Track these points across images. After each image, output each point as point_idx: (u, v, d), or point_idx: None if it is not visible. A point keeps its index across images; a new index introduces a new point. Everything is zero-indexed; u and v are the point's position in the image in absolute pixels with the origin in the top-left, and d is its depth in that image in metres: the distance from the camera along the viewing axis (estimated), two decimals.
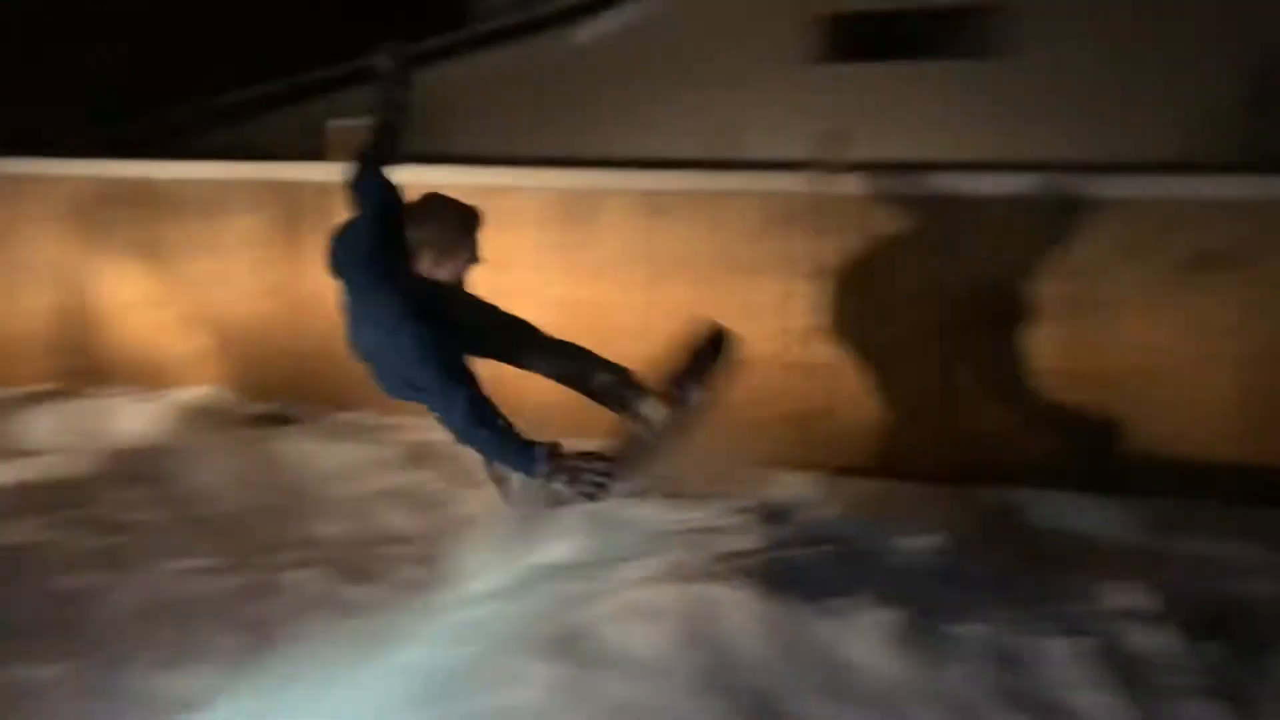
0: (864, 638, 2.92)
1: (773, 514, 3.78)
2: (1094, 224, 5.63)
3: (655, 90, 8.31)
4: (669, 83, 8.39)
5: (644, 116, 8.31)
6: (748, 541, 3.42)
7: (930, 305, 5.83)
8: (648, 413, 3.81)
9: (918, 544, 3.48)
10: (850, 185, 6.00)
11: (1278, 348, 5.36)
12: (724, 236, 6.19)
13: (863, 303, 5.99)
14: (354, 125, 4.39)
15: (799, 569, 3.23)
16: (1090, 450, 5.63)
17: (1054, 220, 5.66)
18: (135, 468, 4.91)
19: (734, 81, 8.35)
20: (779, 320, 6.11)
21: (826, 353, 6.06)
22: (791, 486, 5.34)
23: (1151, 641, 2.79)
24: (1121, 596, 3.08)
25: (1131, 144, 7.11)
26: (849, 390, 6.00)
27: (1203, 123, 7.83)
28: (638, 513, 3.77)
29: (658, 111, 8.49)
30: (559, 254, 6.45)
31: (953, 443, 5.81)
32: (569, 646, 2.82)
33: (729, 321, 6.04)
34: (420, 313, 3.21)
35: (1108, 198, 5.60)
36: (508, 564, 3.38)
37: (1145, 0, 7.68)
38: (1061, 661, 2.80)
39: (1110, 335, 5.60)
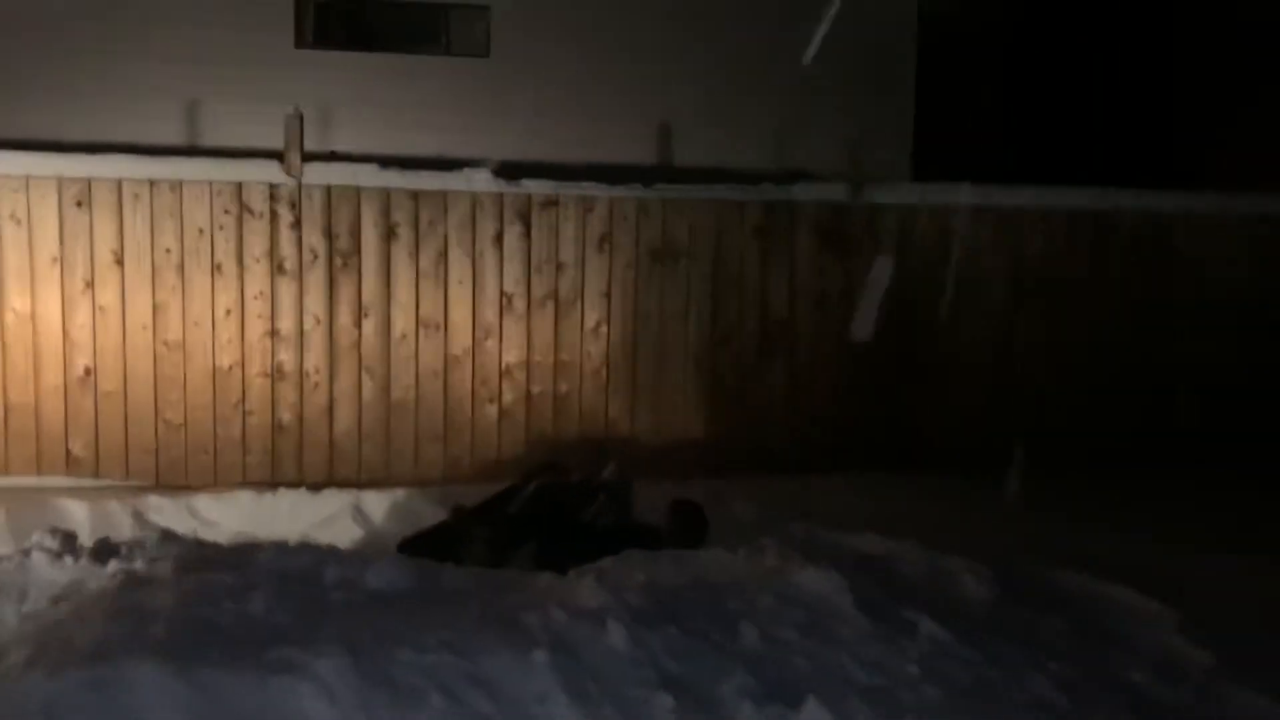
0: (314, 691, 2.46)
1: (204, 555, 3.17)
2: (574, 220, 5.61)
3: (105, 65, 7.13)
4: (122, 57, 7.25)
5: (90, 94, 7.10)
6: (162, 596, 2.79)
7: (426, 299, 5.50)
8: None
9: (377, 572, 3.06)
10: (328, 175, 5.46)
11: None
12: (178, 231, 5.36)
13: (348, 301, 5.49)
14: None
15: (230, 622, 2.66)
16: None
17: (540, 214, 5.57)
18: None
19: (203, 60, 7.40)
20: (251, 324, 5.43)
21: (309, 358, 5.48)
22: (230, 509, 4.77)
23: (602, 641, 2.62)
24: (570, 597, 2.89)
25: (602, 148, 7.29)
26: (323, 402, 5.50)
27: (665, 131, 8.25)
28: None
29: (110, 89, 7.30)
30: None
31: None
32: None
33: (183, 329, 5.31)
34: None
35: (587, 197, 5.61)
36: None
37: (619, 15, 7.92)
38: (520, 676, 2.54)
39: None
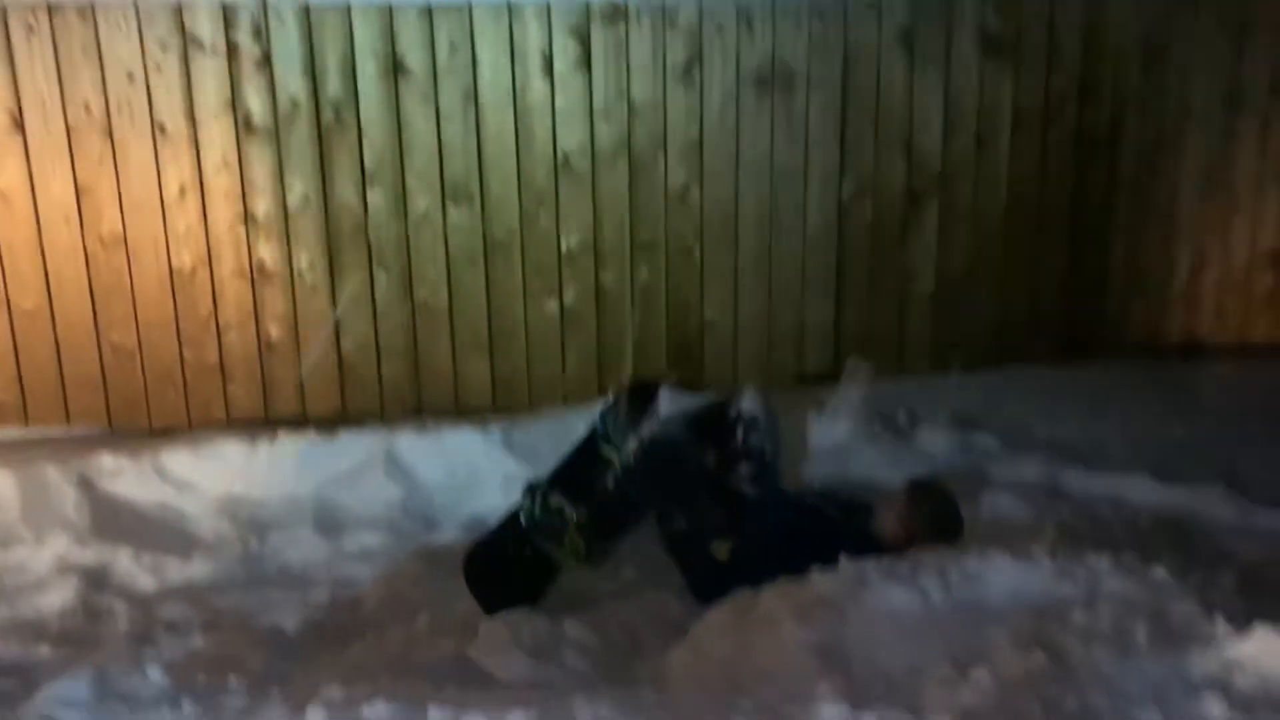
0: None
1: None
2: None
3: None
4: None
5: None
6: None
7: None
8: None
9: None
10: None
11: None
12: (97, 78, 3.76)
13: (347, 168, 3.96)
14: None
15: None
16: None
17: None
18: None
19: None
20: (216, 206, 3.92)
21: (299, 251, 4.00)
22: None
23: None
24: None
25: None
26: (324, 308, 4.05)
27: None
28: None
29: None
30: None
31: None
32: None
33: (122, 218, 3.83)
34: None
35: None
36: None
37: None
38: None
39: None
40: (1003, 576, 2.15)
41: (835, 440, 3.59)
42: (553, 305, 4.16)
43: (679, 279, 4.22)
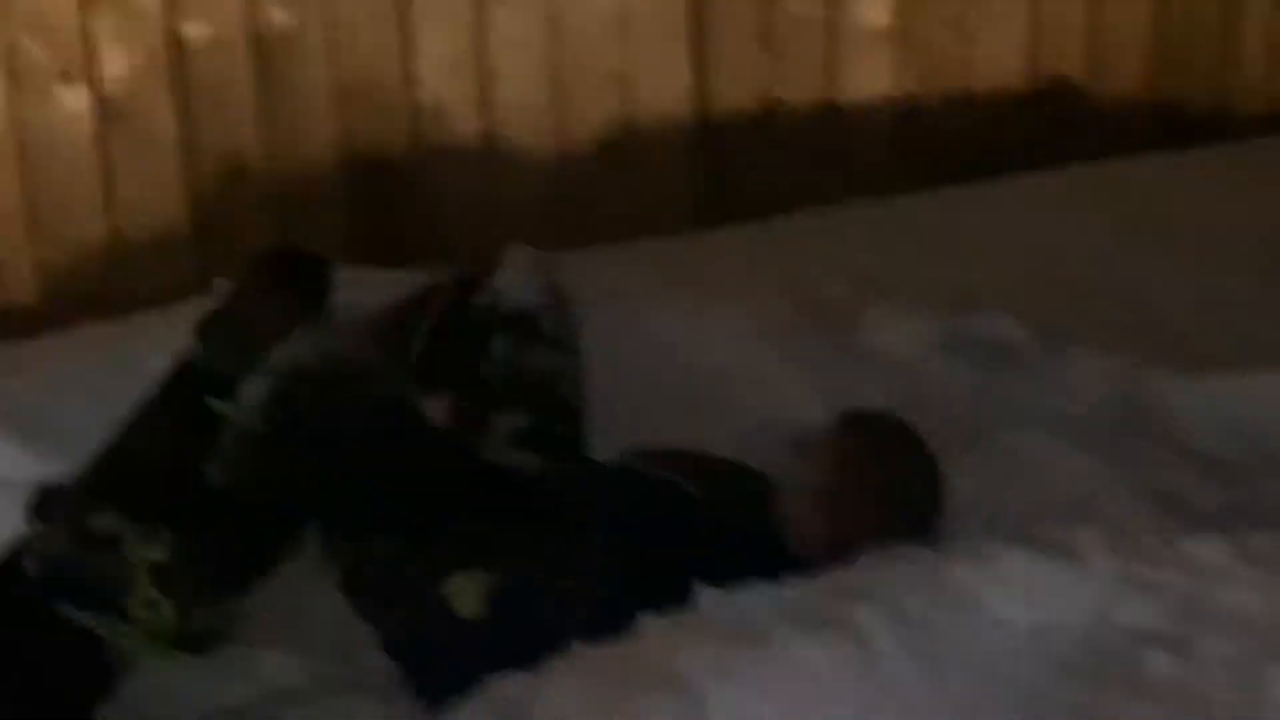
0: None
1: None
2: None
3: None
4: None
5: None
6: None
7: None
8: None
9: None
10: None
11: None
12: None
13: None
14: None
15: None
16: None
17: None
18: None
19: None
20: None
21: None
22: None
23: None
24: None
25: None
26: None
27: None
28: None
29: None
30: None
31: None
32: None
33: None
34: None
35: None
36: None
37: None
38: None
39: None
40: (1018, 602, 1.70)
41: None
42: (75, 97, 3.00)
43: (360, 9, 3.14)
